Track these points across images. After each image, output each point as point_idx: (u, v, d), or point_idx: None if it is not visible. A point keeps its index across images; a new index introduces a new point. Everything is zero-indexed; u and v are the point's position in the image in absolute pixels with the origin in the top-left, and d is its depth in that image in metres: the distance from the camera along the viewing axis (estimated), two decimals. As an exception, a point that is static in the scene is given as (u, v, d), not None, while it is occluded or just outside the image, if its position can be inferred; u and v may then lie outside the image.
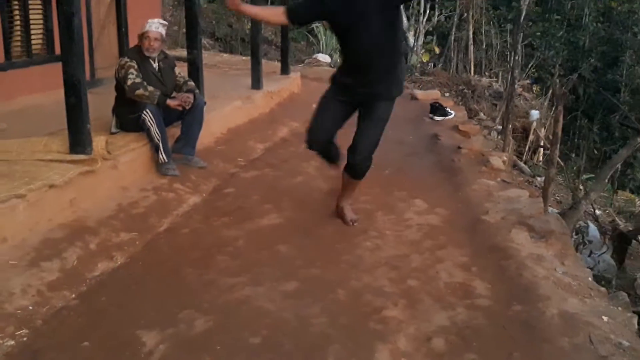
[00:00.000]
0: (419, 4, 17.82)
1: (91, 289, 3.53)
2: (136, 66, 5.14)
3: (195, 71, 6.46)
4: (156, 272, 3.76)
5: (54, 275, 3.55)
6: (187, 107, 5.35)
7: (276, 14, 4.34)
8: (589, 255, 6.38)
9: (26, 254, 3.67)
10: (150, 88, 5.13)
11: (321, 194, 5.30)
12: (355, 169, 4.34)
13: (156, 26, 5.29)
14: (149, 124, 5.12)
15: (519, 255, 4.05)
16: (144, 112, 5.09)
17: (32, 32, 6.79)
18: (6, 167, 4.25)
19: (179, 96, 5.36)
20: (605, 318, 3.32)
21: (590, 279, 3.97)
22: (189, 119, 5.47)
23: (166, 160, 5.23)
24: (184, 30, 6.83)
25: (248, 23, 13.84)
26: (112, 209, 4.49)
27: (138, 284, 3.62)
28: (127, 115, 5.25)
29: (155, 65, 5.36)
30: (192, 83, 5.68)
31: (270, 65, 9.90)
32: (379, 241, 4.28)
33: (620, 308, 3.71)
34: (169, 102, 5.25)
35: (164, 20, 6.14)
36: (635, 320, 3.61)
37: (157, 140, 5.17)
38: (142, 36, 5.27)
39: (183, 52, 7.19)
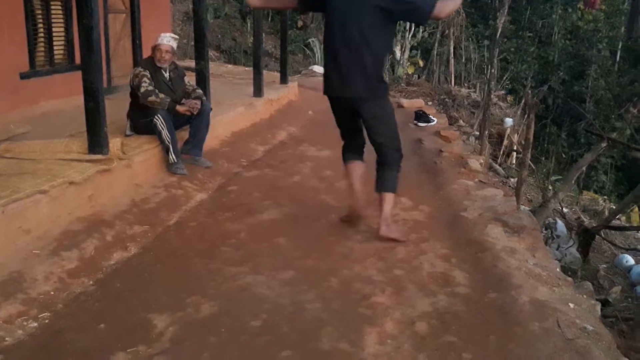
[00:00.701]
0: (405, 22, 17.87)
1: (107, 276, 3.53)
2: (149, 75, 5.14)
3: (202, 80, 6.45)
4: (166, 262, 3.75)
5: (73, 263, 3.54)
6: (195, 113, 5.35)
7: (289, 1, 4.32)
8: (557, 249, 6.40)
9: (48, 244, 3.66)
10: (161, 95, 5.12)
11: (316, 192, 5.30)
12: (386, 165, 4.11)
13: (168, 40, 5.29)
14: (160, 127, 5.12)
15: (494, 248, 4.05)
16: (156, 116, 5.09)
17: (55, 43, 6.77)
18: (31, 165, 4.25)
19: (187, 102, 5.35)
20: (571, 305, 3.33)
21: (558, 270, 3.98)
22: (197, 123, 5.47)
23: (176, 161, 5.23)
24: (193, 43, 6.82)
25: (250, 37, 13.81)
26: (126, 204, 4.48)
27: (150, 272, 3.61)
28: (140, 120, 5.24)
29: (167, 74, 5.35)
30: (199, 91, 5.68)
31: (271, 75, 9.89)
32: (368, 234, 4.27)
33: (585, 296, 3.72)
34: (179, 108, 5.25)
35: (174, 33, 6.13)
36: (598, 307, 3.62)
37: (167, 142, 5.17)
38: (155, 48, 5.26)
39: (191, 63, 7.18)
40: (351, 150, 4.29)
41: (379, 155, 4.13)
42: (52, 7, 6.65)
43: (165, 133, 5.14)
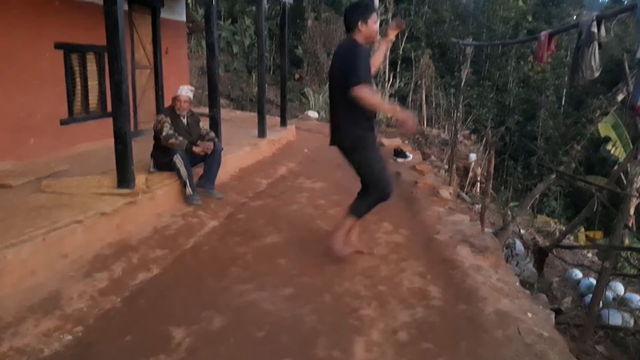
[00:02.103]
0: (384, 73, 18.10)
1: (132, 294, 3.48)
2: (169, 121, 5.16)
3: (215, 124, 6.47)
4: (183, 281, 3.71)
5: (103, 283, 3.50)
6: (209, 153, 5.36)
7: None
8: (517, 265, 6.39)
9: (82, 267, 3.63)
10: (180, 138, 5.14)
11: (311, 218, 5.28)
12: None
13: (186, 91, 5.33)
14: (179, 165, 5.12)
15: (463, 266, 4.04)
16: (175, 156, 5.10)
17: (90, 94, 6.80)
18: (68, 199, 4.23)
19: (202, 144, 5.36)
20: (529, 314, 3.31)
21: (517, 284, 3.97)
22: (210, 161, 5.47)
23: (192, 193, 5.22)
24: (207, 92, 6.86)
25: (255, 87, 13.92)
26: (149, 231, 4.45)
27: (169, 290, 3.57)
28: (162, 159, 5.25)
29: (185, 120, 5.38)
30: (212, 134, 5.70)
31: (272, 119, 9.94)
32: (356, 255, 4.24)
33: (541, 306, 3.71)
34: (195, 148, 5.26)
35: (191, 85, 6.17)
36: (552, 316, 3.61)
37: (184, 178, 5.16)
38: (175, 98, 5.30)
39: (206, 110, 7.19)
40: None
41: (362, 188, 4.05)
42: (88, 64, 6.70)
43: (183, 170, 5.14)
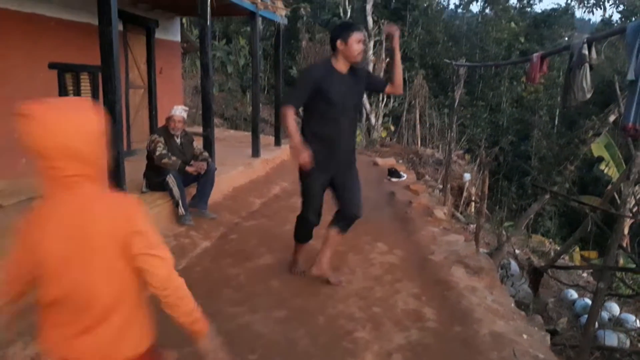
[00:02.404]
0: (378, 94, 18.23)
1: (123, 316, 3.44)
2: (163, 141, 5.17)
3: (208, 144, 6.47)
4: (175, 302, 3.67)
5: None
6: (202, 173, 5.36)
7: (294, 119, 3.55)
8: (512, 286, 6.36)
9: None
10: (173, 158, 5.14)
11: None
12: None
13: (180, 111, 5.34)
14: (171, 185, 5.11)
15: (458, 287, 4.03)
16: (168, 176, 5.09)
17: (83, 114, 6.78)
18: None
19: (195, 164, 5.36)
20: (525, 336, 3.30)
21: (512, 305, 3.96)
22: (203, 181, 5.46)
23: (184, 213, 5.20)
24: (201, 112, 6.89)
25: (249, 107, 13.99)
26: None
27: (161, 312, 3.52)
28: (155, 178, 5.24)
29: (178, 140, 5.38)
30: (206, 153, 5.70)
31: (266, 139, 9.95)
32: (350, 276, 4.23)
33: (536, 328, 3.69)
34: (188, 168, 5.25)
35: (185, 105, 6.19)
36: (548, 338, 3.59)
37: (177, 197, 5.15)
38: (170, 119, 5.31)
39: (199, 129, 7.21)
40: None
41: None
42: (82, 84, 6.70)
43: (175, 190, 5.13)
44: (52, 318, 1.52)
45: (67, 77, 6.43)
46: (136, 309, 1.66)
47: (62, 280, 1.45)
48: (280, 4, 8.76)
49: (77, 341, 1.51)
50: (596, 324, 5.35)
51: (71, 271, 1.44)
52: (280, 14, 8.97)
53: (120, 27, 7.27)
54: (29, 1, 5.66)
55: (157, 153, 5.08)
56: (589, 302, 6.23)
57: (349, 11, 19.87)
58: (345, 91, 3.61)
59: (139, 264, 1.52)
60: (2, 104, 5.39)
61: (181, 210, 5.18)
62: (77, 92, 6.65)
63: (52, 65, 6.10)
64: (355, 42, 3.56)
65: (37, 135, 1.38)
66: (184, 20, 12.36)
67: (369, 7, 20.25)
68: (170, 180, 5.10)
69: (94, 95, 6.89)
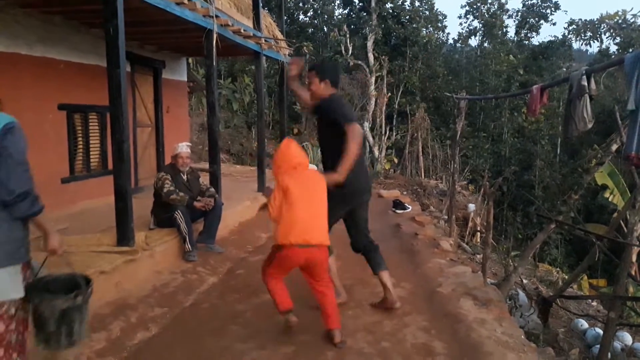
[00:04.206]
0: (381, 126, 18.37)
1: (130, 355, 3.38)
2: (170, 178, 5.20)
3: (215, 180, 6.51)
4: (183, 340, 3.62)
5: (101, 344, 3.41)
6: (209, 209, 5.36)
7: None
8: (521, 316, 6.23)
9: (79, 328, 3.54)
10: (181, 194, 5.16)
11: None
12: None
13: (185, 148, 5.40)
14: (179, 221, 5.11)
15: (467, 320, 3.95)
16: (176, 212, 5.10)
17: (91, 153, 6.86)
18: (67, 257, 4.17)
19: (203, 200, 5.38)
20: (537, 370, 3.21)
21: (522, 337, 3.87)
22: (210, 217, 5.46)
23: (190, 249, 5.18)
24: (207, 148, 6.95)
25: (254, 142, 14.08)
26: (148, 289, 4.38)
27: (168, 349, 3.47)
28: (162, 215, 5.24)
29: (185, 177, 5.42)
30: (212, 190, 5.72)
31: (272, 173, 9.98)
32: (358, 310, 4.17)
33: (548, 361, 3.60)
34: (196, 204, 5.27)
35: (192, 142, 6.25)
36: (561, 371, 3.50)
37: (184, 233, 5.14)
38: (177, 156, 5.36)
39: (206, 165, 7.26)
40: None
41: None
42: (90, 124, 6.80)
43: (183, 226, 5.13)
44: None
45: (75, 118, 6.53)
46: None
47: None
48: (283, 44, 8.92)
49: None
50: (609, 354, 5.22)
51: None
52: (284, 53, 9.13)
53: (128, 68, 7.41)
54: (39, 45, 5.79)
55: (165, 190, 5.10)
56: (600, 331, 6.10)
57: (350, 48, 20.22)
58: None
59: None
60: (13, 145, 5.46)
61: (188, 246, 5.17)
62: (86, 132, 6.74)
63: (61, 106, 6.20)
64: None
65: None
66: (190, 60, 12.59)
67: (369, 44, 20.62)
68: (178, 216, 5.10)
69: (102, 135, 6.97)
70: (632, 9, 32.88)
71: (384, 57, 19.66)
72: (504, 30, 27.20)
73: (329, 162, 3.92)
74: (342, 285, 4.37)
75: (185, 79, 9.85)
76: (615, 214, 8.83)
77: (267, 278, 3.57)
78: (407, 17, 23.91)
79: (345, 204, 3.93)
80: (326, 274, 3.56)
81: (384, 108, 18.53)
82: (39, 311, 2.40)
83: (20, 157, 2.27)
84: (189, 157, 5.43)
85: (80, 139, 6.65)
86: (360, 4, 25.06)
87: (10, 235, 2.26)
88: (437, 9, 27.97)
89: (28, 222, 2.38)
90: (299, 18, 26.89)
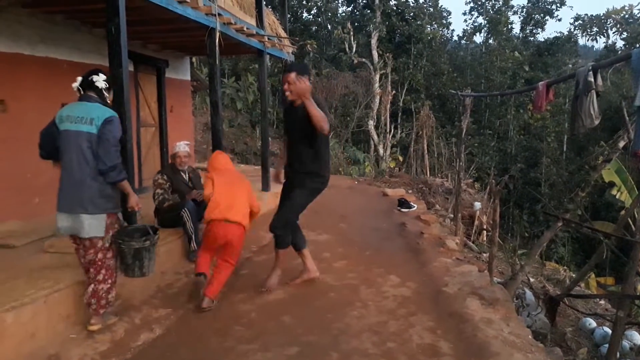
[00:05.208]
0: (385, 124, 18.33)
1: (134, 356, 3.38)
2: (164, 181, 5.21)
3: (218, 180, 6.49)
4: (186, 341, 3.61)
5: (105, 345, 3.42)
6: (199, 199, 5.28)
7: None
8: (528, 316, 6.20)
9: (84, 328, 3.55)
10: (173, 196, 5.18)
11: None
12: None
13: (183, 147, 5.40)
14: (186, 219, 5.09)
15: (474, 319, 3.93)
16: (183, 210, 5.08)
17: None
18: (71, 259, 4.13)
19: (192, 192, 5.34)
20: (545, 370, 3.19)
21: (530, 336, 3.84)
22: None
23: (196, 248, 5.16)
24: (211, 148, 6.94)
25: (259, 141, 14.08)
26: (152, 290, 4.38)
27: (172, 351, 3.47)
28: (167, 214, 5.23)
29: (186, 176, 5.41)
30: None
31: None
32: (363, 310, 4.15)
33: (556, 361, 3.57)
34: (187, 196, 5.24)
35: (196, 141, 6.24)
36: (568, 371, 3.47)
37: (190, 232, 5.12)
38: (175, 155, 5.35)
39: (209, 165, 7.24)
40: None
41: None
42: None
43: (189, 224, 5.11)
44: None
45: (79, 118, 6.52)
46: None
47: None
48: (287, 42, 8.90)
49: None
50: (617, 354, 5.18)
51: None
52: (287, 51, 9.11)
53: (131, 68, 7.41)
54: (42, 45, 5.79)
55: (156, 202, 5.18)
56: (609, 330, 6.06)
57: (354, 46, 20.18)
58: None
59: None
60: (17, 146, 5.47)
61: (193, 245, 5.15)
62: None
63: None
64: (283, 82, 4.20)
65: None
66: (193, 59, 12.59)
67: (373, 41, 20.56)
68: (185, 214, 5.08)
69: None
70: (638, 3, 32.76)
71: (388, 54, 19.62)
72: (509, 26, 27.09)
73: (296, 154, 4.35)
74: (346, 285, 4.38)
75: (189, 78, 9.85)
76: (622, 212, 8.77)
77: (199, 252, 4.54)
78: (412, 14, 23.85)
79: (317, 195, 4.49)
80: (233, 258, 4.40)
81: (388, 106, 18.48)
82: (121, 248, 3.59)
83: (114, 141, 3.41)
84: (188, 156, 5.42)
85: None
86: (364, 1, 25.03)
87: (102, 193, 3.43)
88: (441, 6, 27.93)
89: (116, 185, 3.50)
90: (302, 16, 26.89)
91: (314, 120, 3.90)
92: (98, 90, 3.62)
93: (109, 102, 3.69)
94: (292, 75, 4.11)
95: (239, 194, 4.50)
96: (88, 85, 3.61)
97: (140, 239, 3.63)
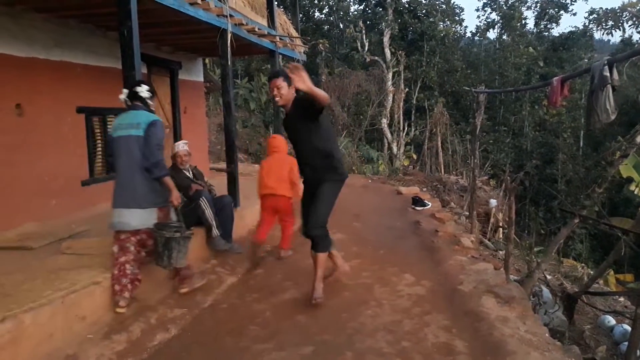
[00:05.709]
0: (399, 122, 18.25)
1: (150, 356, 3.40)
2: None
3: (232, 179, 6.53)
4: (202, 341, 3.63)
5: (122, 345, 3.44)
6: (197, 190, 5.28)
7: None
8: (545, 314, 6.13)
9: (101, 329, 3.58)
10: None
11: (330, 271, 5.18)
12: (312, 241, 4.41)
13: (182, 146, 5.44)
14: (204, 207, 5.09)
15: (489, 318, 3.89)
16: (200, 199, 5.08)
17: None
18: (88, 260, 4.22)
19: (194, 186, 5.34)
20: (562, 368, 3.14)
21: (547, 335, 3.79)
22: (222, 217, 5.38)
23: (219, 234, 5.17)
24: (225, 148, 6.98)
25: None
26: (168, 290, 4.40)
27: (187, 350, 3.49)
28: (185, 207, 5.22)
29: (189, 173, 5.43)
30: (213, 187, 5.77)
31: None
32: (377, 309, 4.13)
33: (573, 359, 3.53)
34: (193, 185, 5.24)
35: (210, 142, 6.27)
36: (587, 369, 3.42)
37: (210, 219, 5.12)
38: (175, 155, 5.38)
39: (224, 165, 7.28)
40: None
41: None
42: (109, 125, 6.86)
43: (208, 212, 5.11)
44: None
45: (94, 120, 6.59)
46: None
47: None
48: (298, 42, 8.90)
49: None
50: (637, 352, 5.10)
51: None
52: (299, 51, 9.11)
53: (145, 70, 7.47)
54: (56, 49, 5.86)
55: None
56: (628, 328, 5.97)
57: (366, 44, 20.12)
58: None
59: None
60: (33, 149, 5.55)
61: (215, 231, 5.14)
62: (105, 135, 6.80)
63: (79, 110, 6.27)
64: (271, 89, 4.17)
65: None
66: (206, 60, 12.65)
67: (386, 39, 20.49)
68: (203, 202, 5.07)
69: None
70: (655, -4, 32.10)
71: (400, 52, 19.54)
72: (523, 22, 26.82)
73: (305, 157, 4.26)
74: (361, 284, 4.36)
75: (202, 80, 9.90)
76: (641, 208, 8.63)
77: (259, 223, 5.71)
78: (424, 11, 23.73)
79: (339, 190, 4.35)
80: (289, 216, 5.62)
81: (401, 104, 18.41)
82: (154, 237, 3.99)
83: (157, 141, 3.88)
84: (188, 155, 5.44)
85: (99, 141, 6.71)
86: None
87: (151, 188, 3.90)
88: (453, 2, 27.66)
89: (161, 180, 3.93)
90: (314, 15, 26.87)
91: (319, 98, 3.72)
92: (142, 100, 4.07)
93: (152, 108, 4.15)
94: (279, 80, 4.05)
95: (282, 172, 5.46)
96: (133, 95, 4.05)
97: (171, 230, 4.01)
